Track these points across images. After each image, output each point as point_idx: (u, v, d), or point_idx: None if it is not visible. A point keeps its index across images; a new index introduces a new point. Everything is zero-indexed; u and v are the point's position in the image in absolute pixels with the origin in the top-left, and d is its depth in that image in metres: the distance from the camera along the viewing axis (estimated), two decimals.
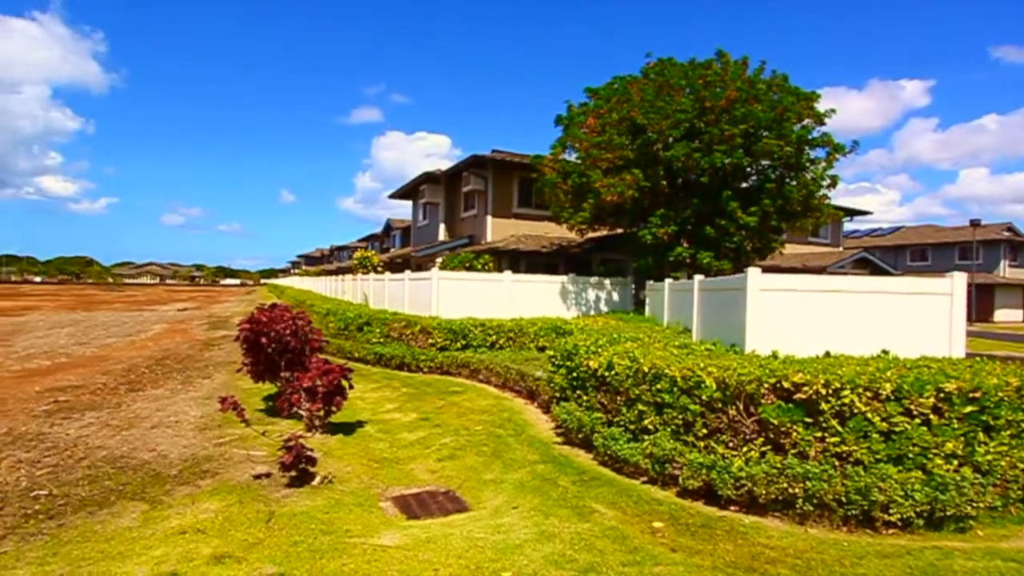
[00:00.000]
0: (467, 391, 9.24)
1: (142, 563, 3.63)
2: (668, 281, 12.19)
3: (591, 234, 16.12)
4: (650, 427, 5.42)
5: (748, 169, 13.70)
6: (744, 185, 14.05)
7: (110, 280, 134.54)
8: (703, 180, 12.86)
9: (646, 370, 5.53)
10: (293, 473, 5.22)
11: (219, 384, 10.03)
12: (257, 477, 5.31)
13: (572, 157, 14.28)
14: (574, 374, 6.70)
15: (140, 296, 55.55)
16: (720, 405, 4.87)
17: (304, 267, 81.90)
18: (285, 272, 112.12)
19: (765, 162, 13.51)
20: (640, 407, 5.54)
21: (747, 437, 4.73)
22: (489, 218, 18.93)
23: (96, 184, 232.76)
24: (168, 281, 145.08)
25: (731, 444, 4.82)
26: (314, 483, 5.27)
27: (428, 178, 22.61)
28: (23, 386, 9.80)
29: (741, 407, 4.75)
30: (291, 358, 7.44)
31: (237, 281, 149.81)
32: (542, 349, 10.99)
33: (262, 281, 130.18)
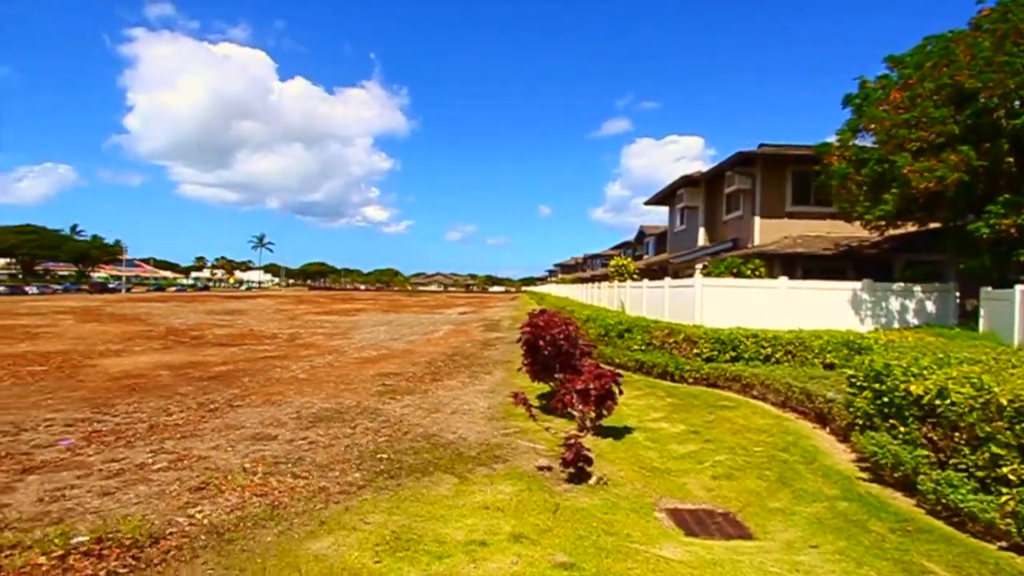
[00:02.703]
0: (739, 407, 8.54)
1: (458, 528, 4.21)
2: (1020, 288, 9.33)
3: (892, 232, 13.37)
4: (1012, 478, 4.16)
5: None
6: None
7: (409, 287, 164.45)
8: None
9: (1003, 402, 4.28)
10: (572, 470, 5.49)
11: (498, 380, 11.25)
12: (540, 468, 5.73)
13: (867, 142, 12.08)
14: (884, 399, 5.59)
15: (431, 301, 66.59)
16: None
17: (560, 275, 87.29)
18: (542, 280, 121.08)
19: None
20: (994, 449, 4.31)
21: None
22: (757, 219, 17.28)
23: (400, 210, 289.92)
24: (450, 288, 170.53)
25: None
26: (590, 482, 5.46)
27: (686, 181, 21.82)
28: (361, 370, 12.54)
29: None
30: (563, 361, 7.89)
31: (502, 288, 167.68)
32: (830, 366, 9.51)
33: (522, 288, 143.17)
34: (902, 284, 12.68)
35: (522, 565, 3.67)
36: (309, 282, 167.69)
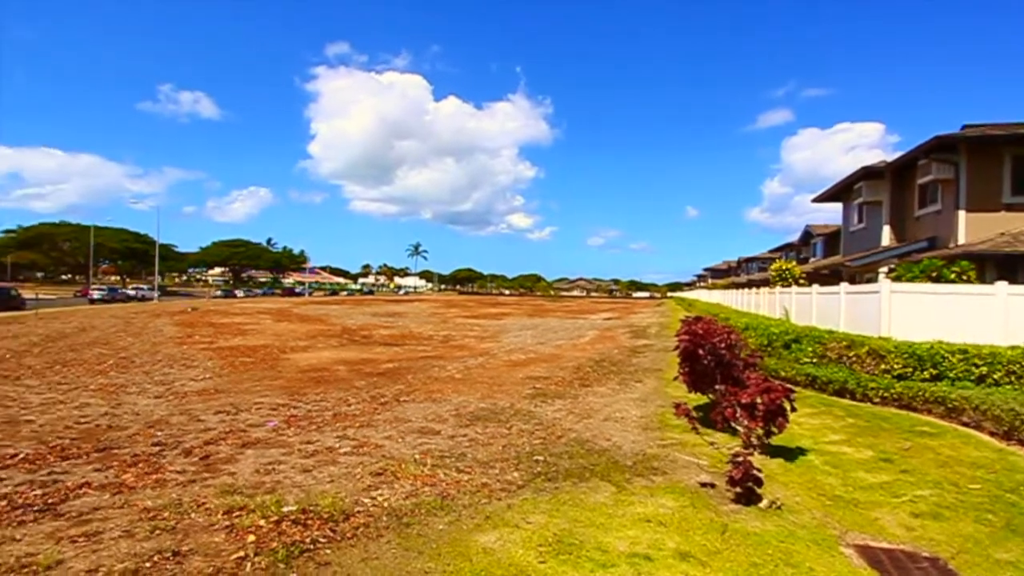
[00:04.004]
0: (944, 434, 7.27)
1: (620, 539, 4.11)
2: None
3: None
4: None
5: None
6: None
7: (551, 292, 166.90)
8: None
9: None
10: (739, 490, 5.09)
11: (650, 389, 10.87)
12: (703, 485, 5.40)
13: None
14: None
15: (573, 306, 66.81)
16: None
17: (711, 280, 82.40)
18: (690, 285, 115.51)
19: None
20: None
21: None
22: (961, 214, 14.63)
23: (543, 217, 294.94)
24: (592, 294, 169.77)
25: None
26: (761, 505, 5.01)
27: (866, 173, 19.24)
28: (511, 373, 12.93)
29: None
30: (724, 371, 7.38)
31: (646, 294, 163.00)
32: None
33: (668, 294, 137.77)
34: None
35: None
36: (458, 287, 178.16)
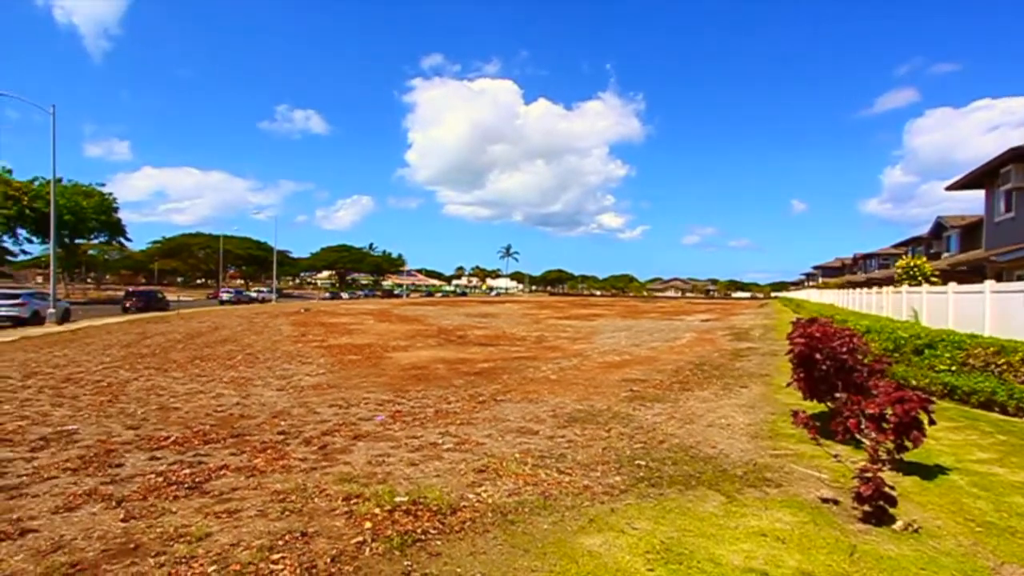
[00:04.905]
0: None
1: (733, 552, 3.90)
2: None
3: None
4: None
5: None
6: None
7: (644, 293, 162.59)
8: None
9: None
10: (867, 508, 4.64)
11: (756, 395, 10.24)
12: (824, 500, 4.99)
13: None
14: None
15: (668, 307, 64.59)
16: None
17: (822, 279, 76.25)
18: (797, 285, 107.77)
19: None
20: None
21: None
22: None
23: (635, 216, 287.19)
24: (687, 294, 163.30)
25: None
26: (895, 527, 4.53)
27: (1016, 155, 16.83)
28: (607, 375, 12.71)
29: None
30: (845, 378, 6.78)
31: (747, 294, 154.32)
32: None
33: (772, 294, 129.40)
34: None
35: None
36: (549, 288, 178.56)
